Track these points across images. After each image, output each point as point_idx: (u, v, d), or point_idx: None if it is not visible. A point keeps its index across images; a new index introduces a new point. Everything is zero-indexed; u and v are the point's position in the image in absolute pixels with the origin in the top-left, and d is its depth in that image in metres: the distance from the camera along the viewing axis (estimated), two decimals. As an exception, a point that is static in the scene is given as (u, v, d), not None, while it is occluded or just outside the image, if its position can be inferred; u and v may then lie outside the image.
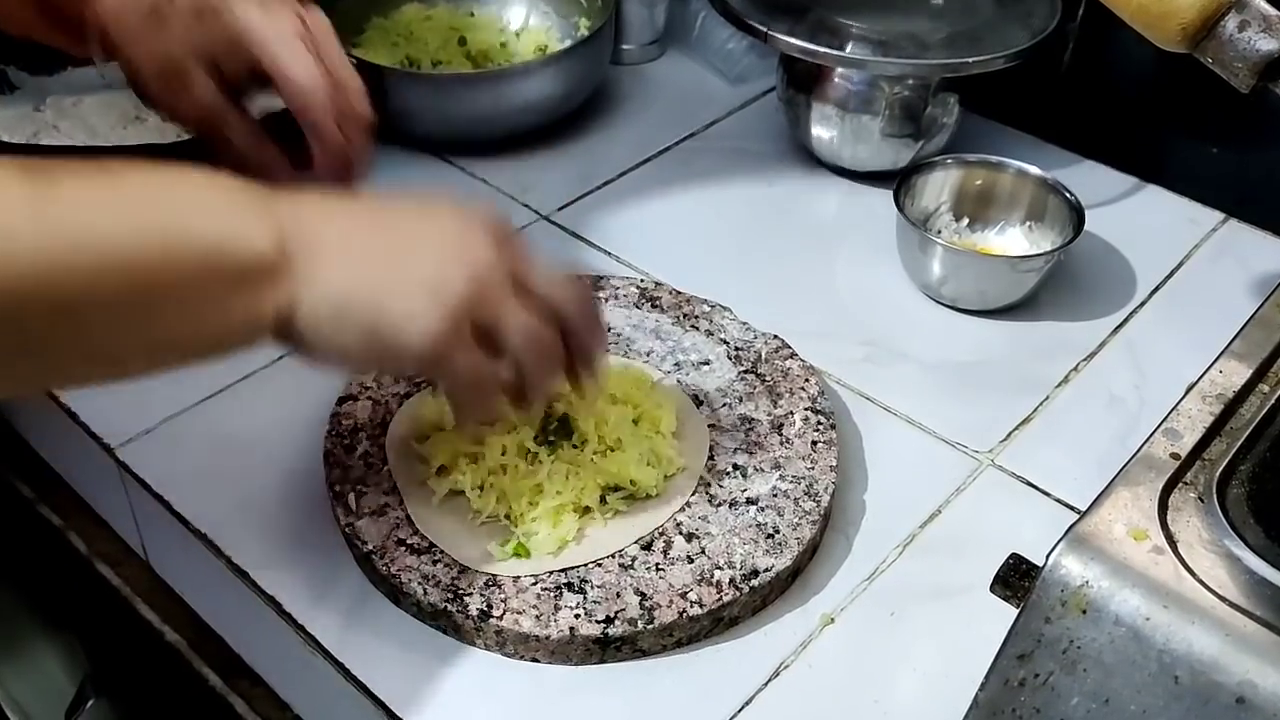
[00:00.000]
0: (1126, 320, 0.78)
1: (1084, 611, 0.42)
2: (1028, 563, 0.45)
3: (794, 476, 0.64)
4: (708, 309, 0.74)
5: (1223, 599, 0.41)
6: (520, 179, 0.89)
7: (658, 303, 0.75)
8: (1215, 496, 0.44)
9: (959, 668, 0.53)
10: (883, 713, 0.56)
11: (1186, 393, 0.49)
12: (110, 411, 0.69)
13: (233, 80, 0.62)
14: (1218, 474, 0.45)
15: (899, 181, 0.80)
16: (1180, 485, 0.45)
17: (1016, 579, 0.46)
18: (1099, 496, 0.44)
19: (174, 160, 0.79)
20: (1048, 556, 0.43)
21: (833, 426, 0.67)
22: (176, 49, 0.61)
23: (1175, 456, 0.46)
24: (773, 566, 0.59)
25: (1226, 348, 0.52)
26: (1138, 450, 0.46)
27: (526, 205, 0.87)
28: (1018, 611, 0.44)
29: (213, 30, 0.60)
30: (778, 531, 0.61)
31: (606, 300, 0.75)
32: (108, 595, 0.75)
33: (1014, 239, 0.82)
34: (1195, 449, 0.47)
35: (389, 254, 0.50)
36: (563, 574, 0.59)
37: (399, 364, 0.58)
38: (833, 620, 0.60)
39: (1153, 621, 0.41)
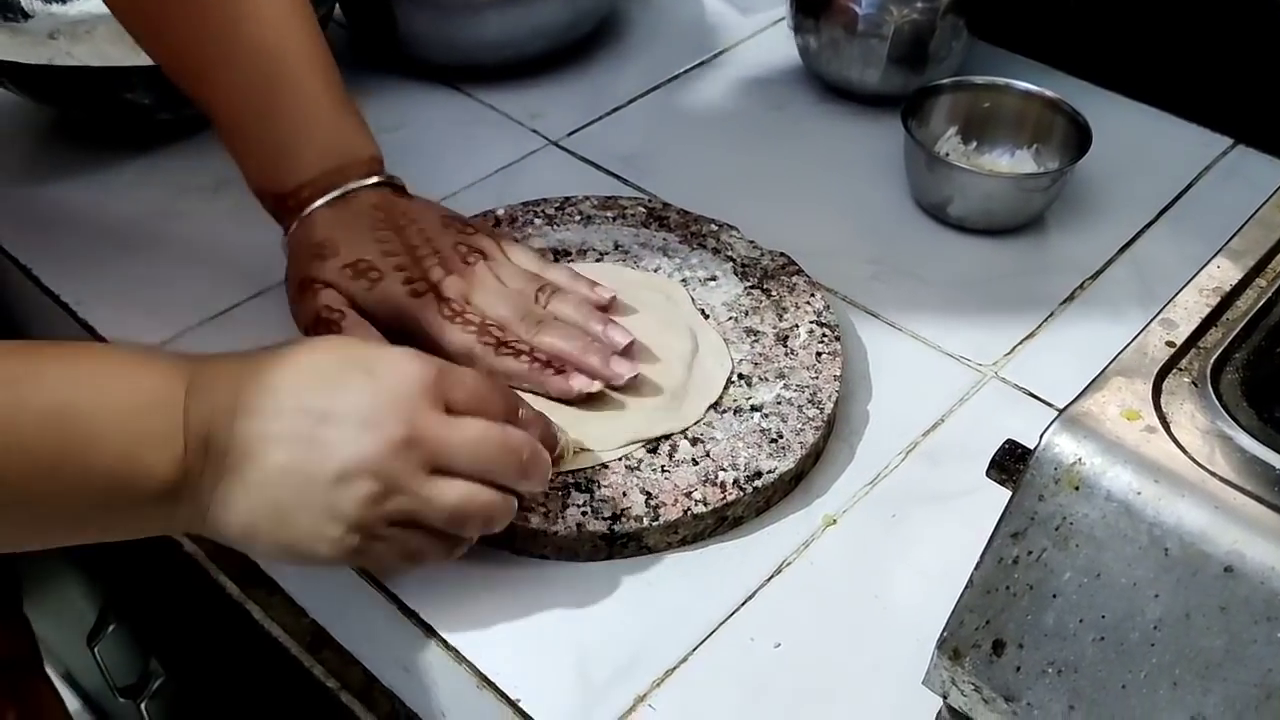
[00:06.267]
0: (1133, 241, 0.79)
1: (1076, 488, 0.43)
2: (1022, 447, 0.46)
3: (798, 385, 0.65)
4: (715, 228, 0.75)
5: (1213, 474, 0.41)
6: (529, 105, 0.90)
7: (665, 222, 0.75)
8: (1209, 382, 0.45)
9: (958, 566, 0.54)
10: (882, 607, 0.57)
11: (1184, 286, 0.50)
12: (127, 324, 0.70)
13: None
14: (1212, 361, 0.46)
15: (907, 104, 0.80)
16: (1175, 371, 0.46)
17: (1011, 462, 0.46)
18: (1093, 381, 0.45)
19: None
20: (1042, 436, 0.44)
21: (837, 339, 0.67)
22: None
23: (1170, 345, 0.47)
24: (776, 469, 0.60)
25: (1225, 245, 0.52)
26: (1133, 339, 0.47)
27: (536, 131, 0.87)
28: (1012, 492, 0.45)
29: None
30: (781, 436, 0.62)
31: (614, 220, 0.75)
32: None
33: (1022, 161, 0.82)
34: (1191, 338, 0.47)
35: (294, 466, 0.49)
36: (570, 475, 0.60)
37: (318, 566, 0.56)
38: (835, 521, 0.61)
39: (1144, 496, 0.42)
